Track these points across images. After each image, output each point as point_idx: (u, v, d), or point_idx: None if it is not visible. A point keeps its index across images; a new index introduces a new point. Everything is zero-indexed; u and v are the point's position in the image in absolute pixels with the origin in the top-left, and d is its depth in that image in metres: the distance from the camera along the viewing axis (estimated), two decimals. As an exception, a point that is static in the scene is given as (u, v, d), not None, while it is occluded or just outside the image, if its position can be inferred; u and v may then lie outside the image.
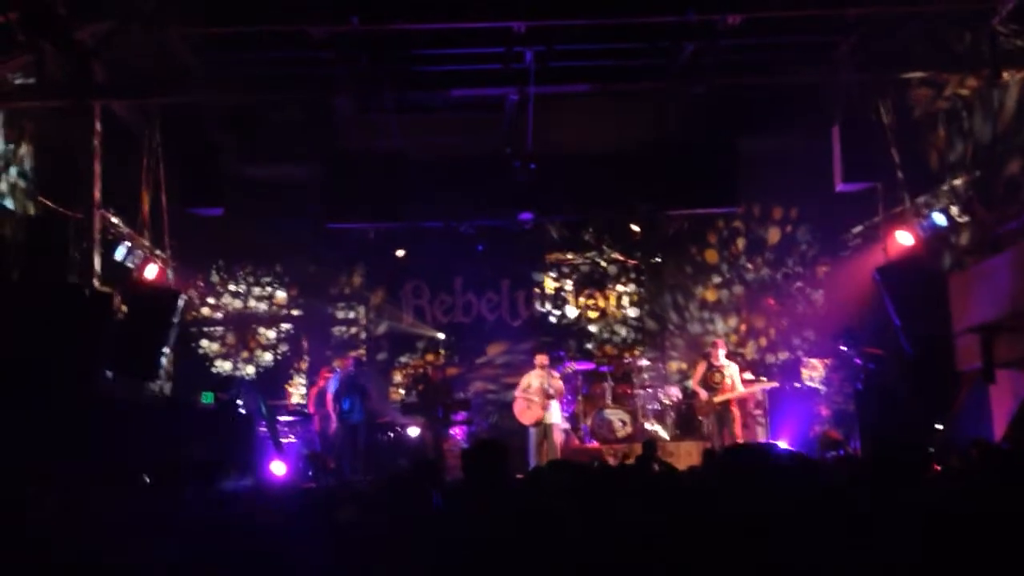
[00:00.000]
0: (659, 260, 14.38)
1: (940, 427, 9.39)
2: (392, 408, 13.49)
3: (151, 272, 11.07)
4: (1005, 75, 9.17)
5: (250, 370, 14.20)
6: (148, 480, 7.03)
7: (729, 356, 12.10)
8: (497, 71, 10.38)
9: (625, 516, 3.34)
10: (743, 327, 14.06)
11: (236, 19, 9.13)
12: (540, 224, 13.55)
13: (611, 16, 9.32)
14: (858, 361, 10.87)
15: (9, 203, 9.69)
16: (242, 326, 14.29)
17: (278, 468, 10.48)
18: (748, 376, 12.40)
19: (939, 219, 10.06)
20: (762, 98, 11.31)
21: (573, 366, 12.97)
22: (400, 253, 13.80)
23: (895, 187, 10.68)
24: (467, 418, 13.02)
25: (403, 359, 14.33)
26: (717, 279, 14.20)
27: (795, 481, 2.30)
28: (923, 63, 9.97)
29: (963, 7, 9.41)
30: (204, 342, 14.21)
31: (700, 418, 12.12)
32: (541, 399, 11.71)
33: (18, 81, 9.58)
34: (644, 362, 13.57)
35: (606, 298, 14.45)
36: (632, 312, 14.42)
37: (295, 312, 14.44)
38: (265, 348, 14.34)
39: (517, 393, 12.05)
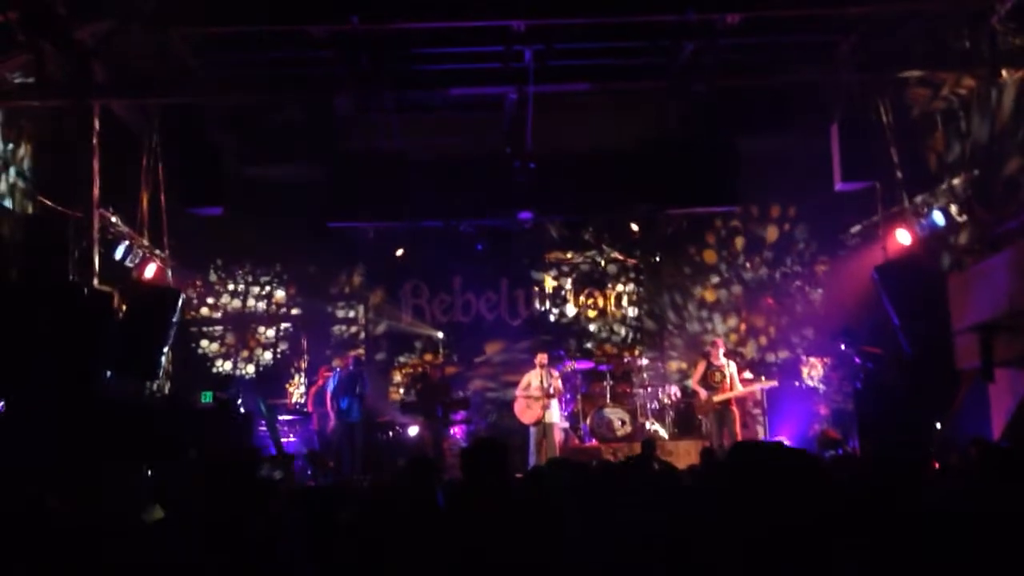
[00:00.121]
0: (658, 259, 14.38)
1: (939, 426, 9.41)
2: (391, 407, 13.50)
3: (150, 271, 11.08)
4: (1004, 74, 9.18)
5: (250, 369, 14.20)
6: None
7: (728, 355, 12.12)
8: (497, 70, 10.38)
9: (625, 514, 3.35)
10: (743, 326, 14.07)
11: (236, 19, 9.12)
12: (540, 223, 13.55)
13: (611, 15, 9.32)
14: (857, 360, 10.89)
15: (8, 202, 9.69)
16: (241, 326, 14.29)
17: None
18: (748, 375, 12.41)
19: (938, 218, 10.07)
20: (762, 97, 11.31)
21: (573, 365, 12.98)
22: (399, 252, 13.81)
23: (894, 186, 10.68)
24: (466, 417, 13.03)
25: (401, 359, 14.33)
26: (716, 279, 14.22)
27: (809, 482, 2.30)
28: (923, 62, 9.97)
29: (963, 6, 9.42)
30: (204, 342, 14.21)
31: (700, 417, 12.14)
32: (541, 398, 11.73)
33: (18, 80, 9.57)
34: (643, 361, 13.57)
35: (605, 297, 14.46)
36: (631, 312, 14.42)
37: (294, 311, 14.44)
38: (265, 347, 14.35)
39: (517, 392, 12.07)
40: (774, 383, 12.28)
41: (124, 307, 10.44)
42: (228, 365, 14.10)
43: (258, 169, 12.90)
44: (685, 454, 11.16)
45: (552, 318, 14.42)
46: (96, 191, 9.83)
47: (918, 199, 10.50)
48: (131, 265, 10.74)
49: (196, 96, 10.59)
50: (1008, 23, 8.99)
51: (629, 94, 11.58)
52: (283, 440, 12.34)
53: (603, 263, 14.47)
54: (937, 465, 6.97)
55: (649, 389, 13.10)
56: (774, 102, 11.28)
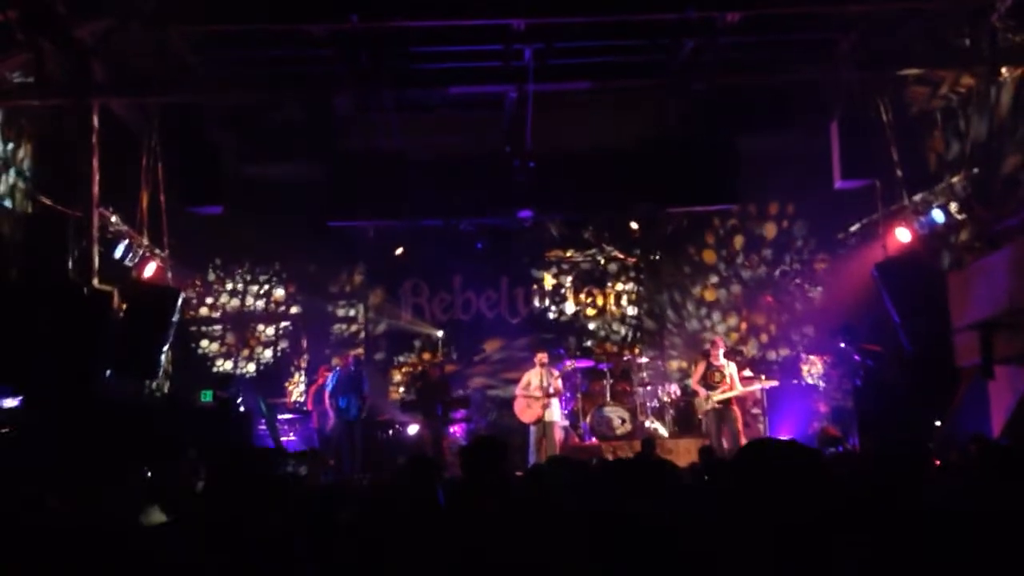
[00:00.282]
0: (657, 258, 14.39)
1: (939, 423, 9.42)
2: (391, 406, 13.51)
3: (150, 271, 11.08)
4: (1004, 71, 9.17)
5: (251, 368, 14.21)
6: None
7: (728, 355, 12.12)
8: (496, 68, 10.38)
9: (628, 511, 3.34)
10: (743, 325, 14.08)
11: (235, 17, 9.12)
12: (540, 222, 13.55)
13: (611, 13, 9.32)
14: (857, 358, 10.89)
15: (8, 202, 9.69)
16: (241, 325, 14.29)
17: None
18: (747, 373, 12.41)
19: (937, 216, 10.08)
20: (762, 96, 11.30)
21: (573, 364, 12.98)
22: (399, 251, 13.81)
23: (894, 184, 10.68)
24: (466, 416, 13.03)
25: (401, 358, 14.33)
26: (715, 279, 14.22)
27: (817, 481, 2.29)
28: (923, 60, 9.97)
29: (963, 4, 9.41)
30: (204, 342, 14.21)
31: (700, 416, 12.13)
32: (541, 397, 11.73)
33: (17, 79, 9.57)
34: (643, 360, 13.58)
35: (605, 296, 14.46)
36: (631, 310, 14.43)
37: (294, 310, 14.44)
38: (265, 345, 14.35)
39: (517, 392, 12.08)
40: (774, 383, 12.27)
41: (124, 306, 10.44)
42: (228, 365, 14.10)
43: (257, 168, 12.90)
44: (685, 452, 11.16)
45: (551, 316, 14.42)
46: (96, 190, 9.83)
47: (918, 197, 10.50)
48: (131, 264, 10.73)
49: (195, 95, 10.59)
50: (1008, 20, 8.99)
51: (629, 93, 11.58)
52: (283, 439, 12.37)
53: (603, 262, 14.48)
54: (937, 462, 6.97)
55: (649, 388, 13.10)
56: (774, 101, 11.28)
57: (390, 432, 12.77)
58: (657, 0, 9.14)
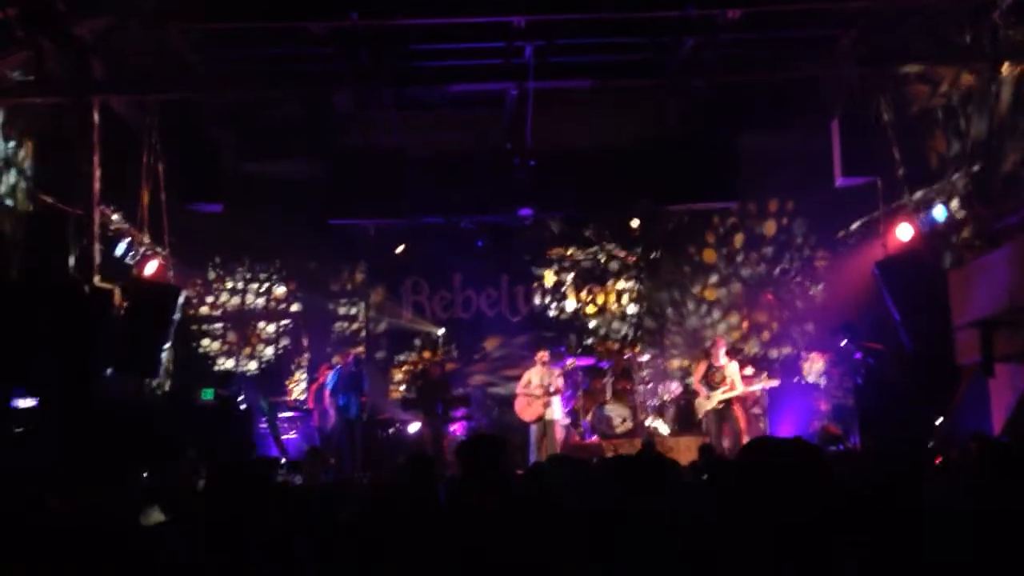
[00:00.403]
0: (658, 256, 14.39)
1: (940, 421, 9.42)
2: (392, 404, 13.51)
3: (151, 269, 11.07)
4: (1005, 69, 9.16)
5: (252, 366, 14.21)
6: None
7: (730, 354, 12.10)
8: (497, 66, 10.37)
9: (628, 509, 3.34)
10: (745, 324, 14.07)
11: (235, 15, 9.11)
12: (540, 220, 13.56)
13: (611, 11, 9.30)
14: (858, 356, 10.88)
15: (8, 200, 9.68)
16: (241, 323, 14.29)
17: None
18: (748, 371, 12.40)
19: (938, 214, 10.07)
20: (762, 94, 11.29)
21: (573, 362, 12.98)
22: (400, 249, 13.81)
23: (894, 182, 10.67)
24: (467, 414, 13.03)
25: (401, 356, 14.34)
26: (715, 278, 14.22)
27: (818, 479, 2.29)
28: (924, 57, 9.95)
29: (964, 0, 9.40)
30: (205, 340, 14.21)
31: (700, 416, 12.12)
32: (542, 396, 11.73)
33: (17, 77, 9.56)
34: (644, 358, 13.58)
35: (606, 294, 14.46)
36: (631, 308, 14.43)
37: (295, 307, 14.45)
38: (266, 343, 14.35)
39: (518, 390, 12.07)
40: (775, 383, 12.23)
41: (125, 305, 10.44)
42: (229, 363, 14.10)
43: (257, 165, 12.89)
44: (686, 450, 11.17)
45: (552, 314, 14.42)
46: (96, 188, 9.83)
47: (918, 195, 10.49)
48: (132, 262, 10.73)
49: (195, 92, 10.57)
50: (1009, 17, 8.98)
51: (629, 91, 11.56)
52: (284, 437, 12.37)
53: (604, 259, 14.48)
54: (938, 460, 6.97)
55: (649, 386, 13.09)
56: (774, 99, 11.26)
57: (390, 430, 12.78)
58: (658, -3, 9.14)
